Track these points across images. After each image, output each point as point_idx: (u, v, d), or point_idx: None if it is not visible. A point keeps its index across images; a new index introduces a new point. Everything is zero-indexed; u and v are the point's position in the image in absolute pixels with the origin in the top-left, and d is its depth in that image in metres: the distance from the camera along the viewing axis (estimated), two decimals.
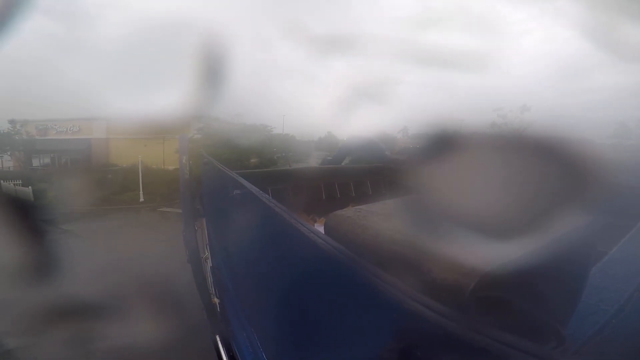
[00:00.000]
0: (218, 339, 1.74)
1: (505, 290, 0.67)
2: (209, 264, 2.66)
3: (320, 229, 1.04)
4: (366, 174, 4.06)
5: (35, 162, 17.57)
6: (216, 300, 2.21)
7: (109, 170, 14.64)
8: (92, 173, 14.13)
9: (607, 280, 1.00)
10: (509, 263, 0.63)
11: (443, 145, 0.78)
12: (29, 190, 10.44)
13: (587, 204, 0.70)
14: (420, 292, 0.60)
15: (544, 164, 0.64)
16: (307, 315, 1.05)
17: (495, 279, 0.62)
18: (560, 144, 0.66)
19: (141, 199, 12.40)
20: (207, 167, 3.03)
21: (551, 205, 0.64)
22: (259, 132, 14.88)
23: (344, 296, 0.81)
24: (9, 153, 15.64)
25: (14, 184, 11.39)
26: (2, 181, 11.53)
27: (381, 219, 0.95)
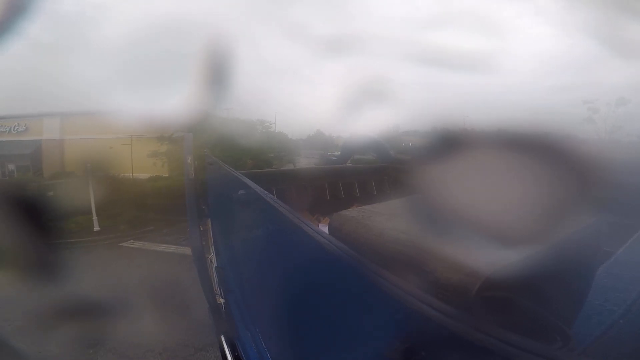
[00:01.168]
0: (223, 339, 1.75)
1: (511, 290, 0.66)
2: (214, 263, 2.67)
3: (325, 229, 1.04)
4: (370, 173, 4.06)
5: None
6: (221, 300, 2.22)
7: (56, 183, 9.94)
8: (34, 187, 9.50)
9: (613, 281, 0.99)
10: (514, 263, 0.62)
11: (448, 144, 0.78)
12: None
13: (592, 204, 0.70)
14: (425, 292, 0.60)
15: (549, 163, 0.64)
16: (311, 315, 1.05)
17: (501, 279, 0.62)
18: (564, 143, 0.66)
19: (96, 228, 8.29)
20: (212, 168, 3.05)
21: (557, 204, 0.63)
22: (256, 128, 13.30)
23: (349, 296, 0.81)
24: None
25: None
26: None
27: (385, 219, 0.95)
